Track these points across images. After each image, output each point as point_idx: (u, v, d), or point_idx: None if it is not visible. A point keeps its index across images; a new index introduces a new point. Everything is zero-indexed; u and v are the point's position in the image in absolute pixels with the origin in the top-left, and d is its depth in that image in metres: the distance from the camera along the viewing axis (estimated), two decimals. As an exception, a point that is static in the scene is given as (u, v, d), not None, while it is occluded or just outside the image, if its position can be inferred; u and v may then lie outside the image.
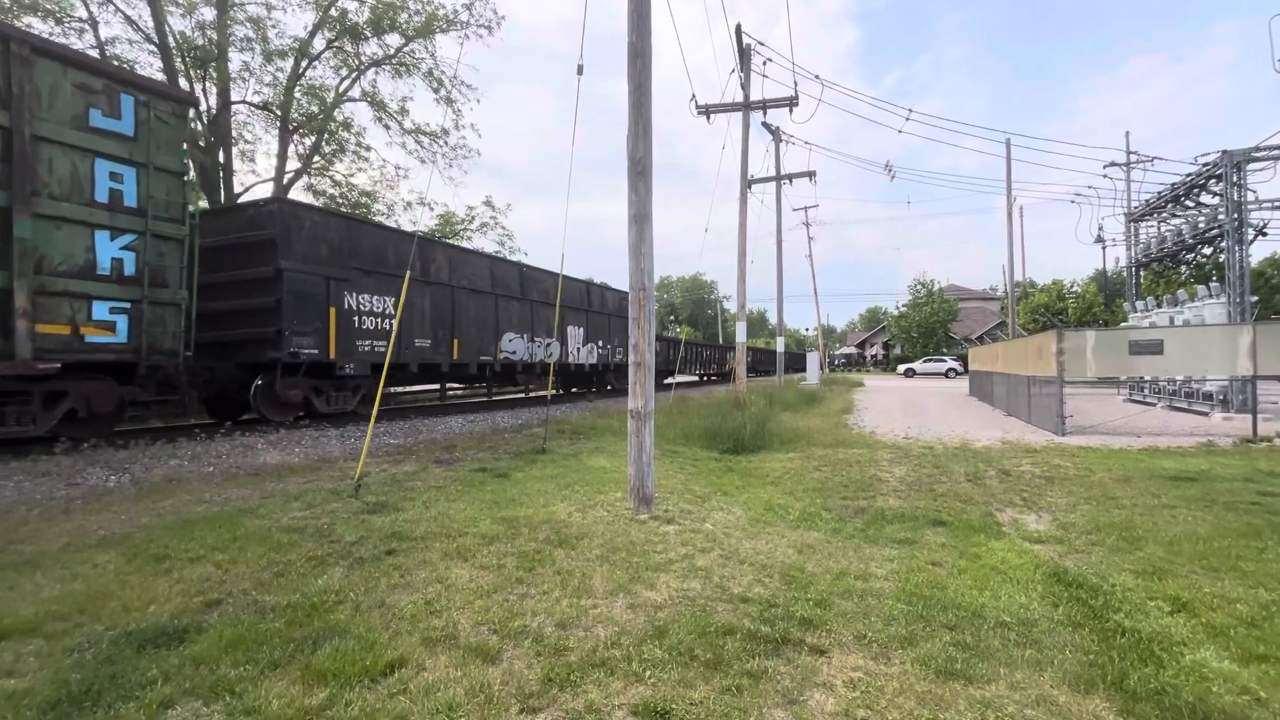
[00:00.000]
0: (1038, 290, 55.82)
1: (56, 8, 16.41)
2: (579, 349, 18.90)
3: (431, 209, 24.83)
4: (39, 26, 16.44)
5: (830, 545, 4.88)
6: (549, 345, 16.75)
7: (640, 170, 5.39)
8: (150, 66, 18.03)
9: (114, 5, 16.89)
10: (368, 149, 22.38)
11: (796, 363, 56.57)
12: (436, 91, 22.05)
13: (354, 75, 21.00)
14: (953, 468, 8.19)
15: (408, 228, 24.06)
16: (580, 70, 6.85)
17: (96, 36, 17.01)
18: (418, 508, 5.67)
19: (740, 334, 15.95)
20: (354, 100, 21.34)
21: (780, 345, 24.65)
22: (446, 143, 23.02)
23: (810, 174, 22.81)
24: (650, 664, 2.77)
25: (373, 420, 6.88)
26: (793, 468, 8.54)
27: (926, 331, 57.30)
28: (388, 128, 22.03)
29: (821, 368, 35.39)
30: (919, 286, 60.20)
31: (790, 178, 22.68)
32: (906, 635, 3.11)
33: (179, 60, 17.44)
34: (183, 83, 17.53)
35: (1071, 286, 53.71)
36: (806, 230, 35.81)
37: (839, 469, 8.35)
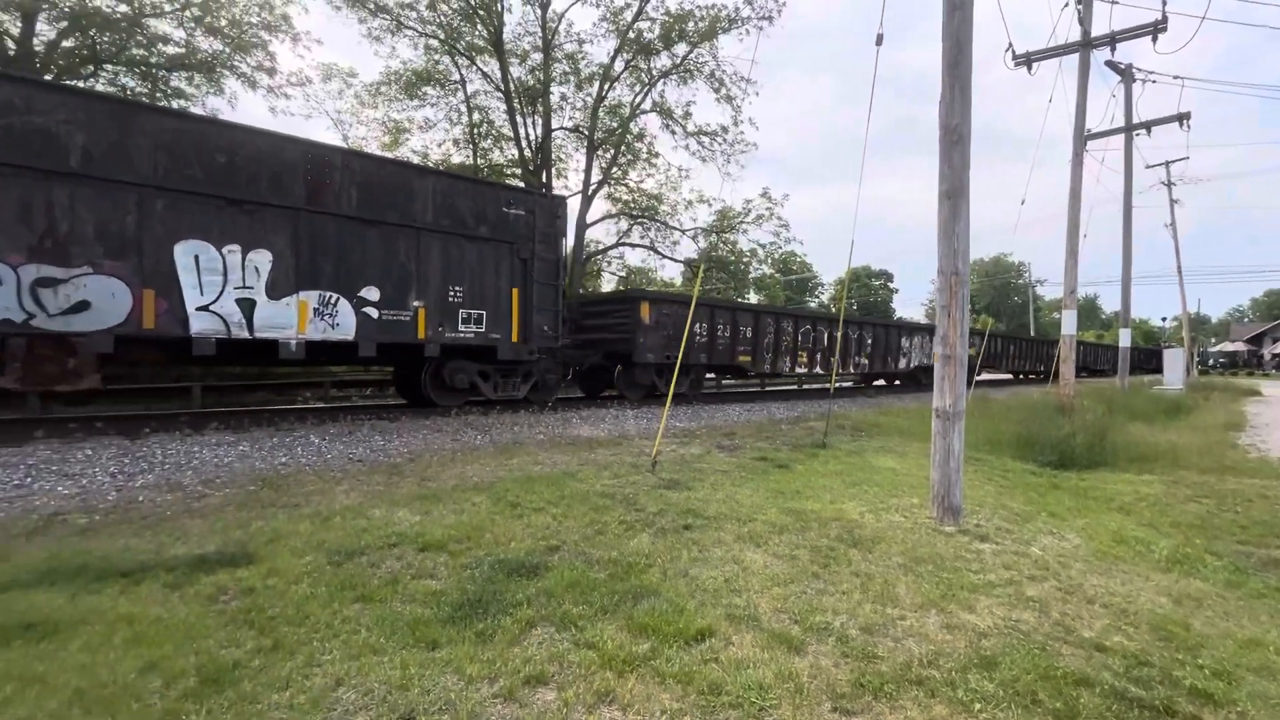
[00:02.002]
0: None
1: (442, 76, 21.54)
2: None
3: (710, 205, 26.01)
4: (430, 92, 21.78)
5: (1226, 602, 3.72)
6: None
7: (956, 138, 4.77)
8: (498, 110, 22.49)
9: (476, 66, 21.46)
10: (655, 155, 24.44)
11: (1144, 361, 44.82)
12: (717, 91, 22.94)
13: (645, 89, 23.07)
14: None
15: (687, 225, 25.52)
16: (880, 40, 6.37)
17: (464, 91, 21.85)
18: (707, 489, 5.99)
19: (1068, 324, 13.19)
20: (645, 112, 23.47)
21: (1125, 339, 19.66)
22: (725, 139, 23.82)
23: (1181, 118, 17.59)
24: (979, 696, 2.44)
25: (667, 405, 7.49)
26: (1151, 494, 6.75)
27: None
28: (673, 133, 23.73)
29: (1187, 369, 27.29)
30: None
31: (1147, 126, 17.82)
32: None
33: (516, 100, 21.35)
34: (520, 120, 21.46)
35: None
36: (1168, 192, 27.74)
37: (1229, 502, 6.34)
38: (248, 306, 7.56)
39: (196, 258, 7.20)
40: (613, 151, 23.40)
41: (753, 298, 32.22)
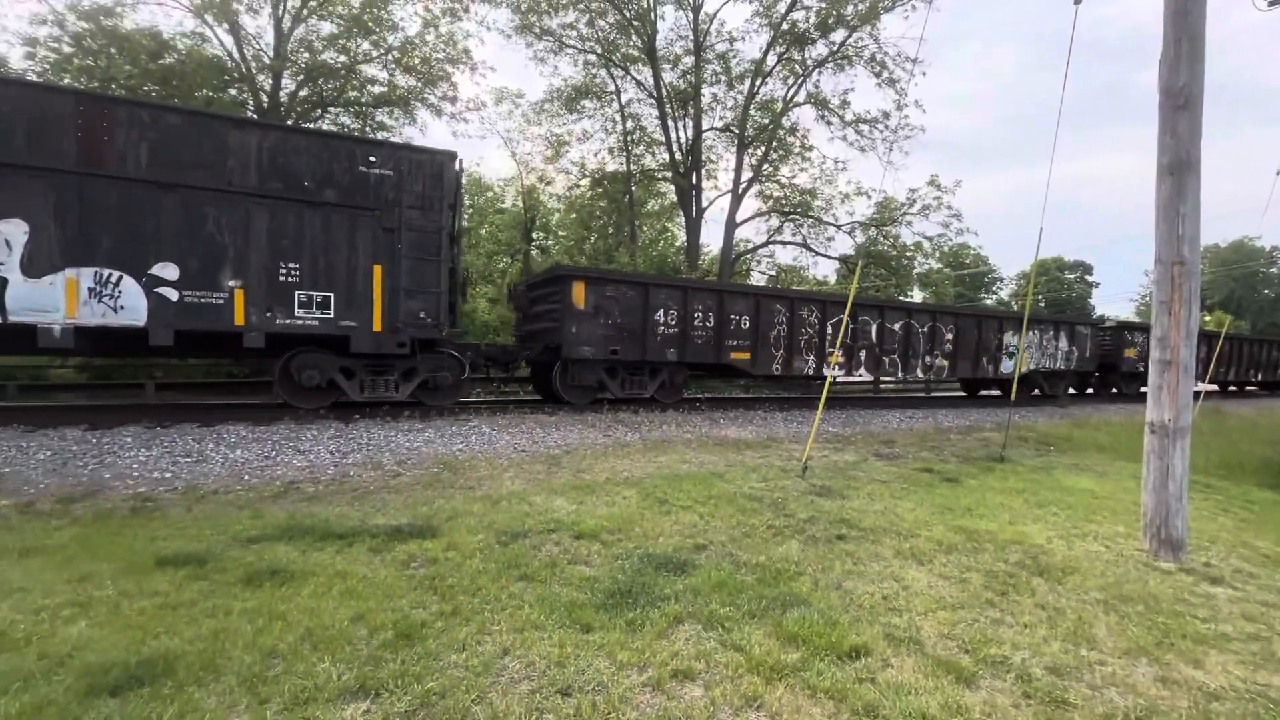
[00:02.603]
0: None
1: (598, 89, 22.64)
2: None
3: (869, 197, 24.46)
4: (587, 105, 22.98)
5: None
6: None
7: (1182, 102, 4.00)
8: (649, 116, 23.13)
9: (630, 76, 22.26)
10: (809, 149, 23.52)
11: None
12: (878, 75, 21.51)
13: (799, 81, 22.32)
14: None
15: (843, 219, 24.25)
16: (1078, -3, 5.55)
17: (619, 101, 22.75)
18: (862, 498, 5.65)
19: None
20: (798, 105, 22.70)
21: None
22: (886, 126, 22.25)
23: None
24: (1208, 769, 2.03)
25: (820, 407, 7.19)
26: None
27: None
28: (829, 124, 22.66)
29: None
30: None
31: None
32: None
33: (667, 105, 21.80)
34: (671, 125, 21.87)
35: None
36: None
37: None
38: None
39: None
40: (763, 148, 22.95)
41: (917, 295, 29.72)
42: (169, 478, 5.48)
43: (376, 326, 7.95)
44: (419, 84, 18.73)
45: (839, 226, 24.15)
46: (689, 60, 22.03)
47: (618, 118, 23.18)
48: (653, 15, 20.94)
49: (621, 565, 3.71)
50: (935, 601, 3.35)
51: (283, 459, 6.20)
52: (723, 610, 3.10)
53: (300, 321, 7.61)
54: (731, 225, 22.54)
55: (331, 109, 18.24)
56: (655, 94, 21.67)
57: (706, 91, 22.38)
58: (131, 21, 15.07)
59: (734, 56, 22.20)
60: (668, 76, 22.12)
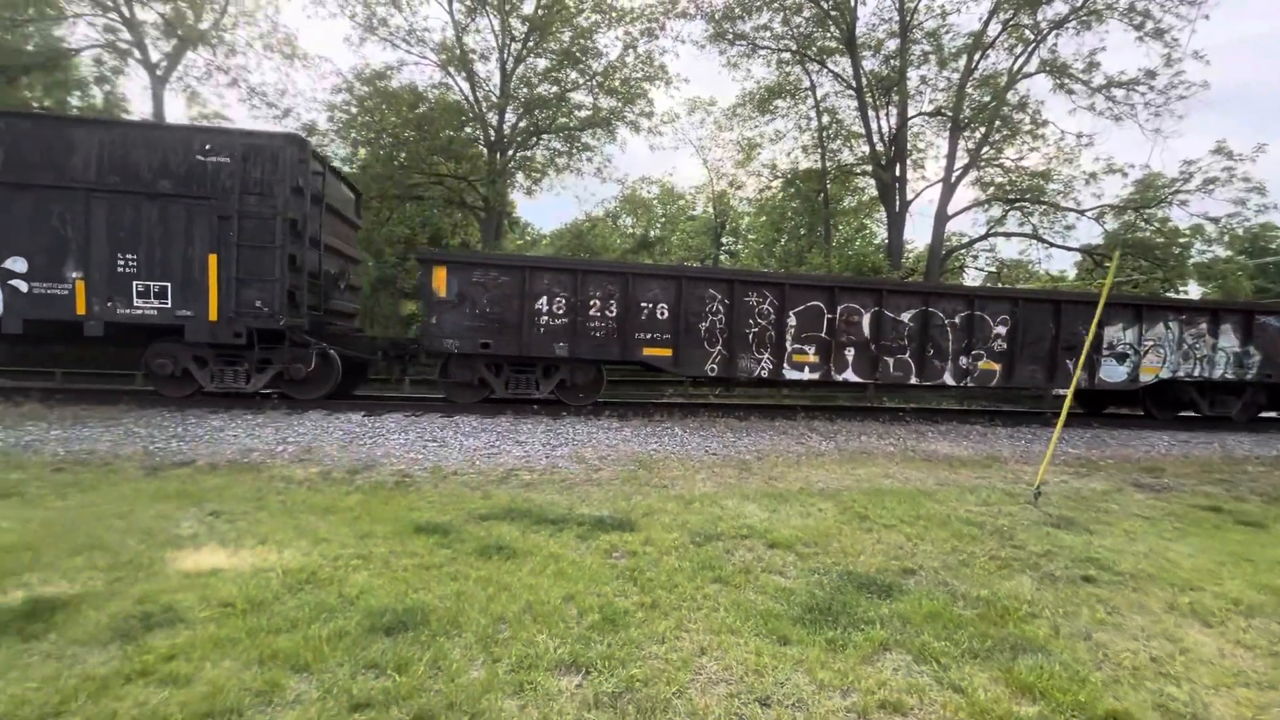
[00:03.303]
0: None
1: (792, 87, 22.06)
2: None
3: (1124, 175, 20.38)
4: (780, 105, 22.49)
5: None
6: None
7: None
8: (847, 109, 21.91)
9: (826, 69, 21.33)
10: (1042, 124, 20.33)
11: None
12: (1138, 28, 17.83)
13: (1029, 48, 19.42)
14: None
15: (1088, 204, 20.65)
16: None
17: (814, 96, 21.92)
18: (1118, 536, 4.72)
19: None
20: (1027, 76, 19.75)
21: None
22: (1151, 88, 18.33)
23: None
24: None
25: (1060, 424, 6.17)
26: None
27: None
28: (1070, 93, 19.34)
29: None
30: None
31: None
32: None
33: (868, 94, 20.45)
34: (871, 115, 20.51)
35: None
36: None
37: None
38: None
39: None
40: (982, 129, 20.39)
41: (1194, 291, 23.97)
42: (420, 459, 6.53)
43: (212, 316, 7.89)
44: (619, 104, 19.96)
45: (1082, 212, 20.56)
46: (893, 44, 20.44)
47: (812, 114, 22.38)
48: (852, 2, 19.83)
49: (819, 580, 3.56)
50: (1231, 675, 2.67)
51: (505, 448, 7.02)
52: (937, 644, 2.81)
53: (139, 311, 7.79)
54: (942, 218, 20.41)
55: (545, 135, 20.21)
56: (854, 84, 20.49)
57: (913, 75, 20.58)
58: (397, 81, 18.35)
59: (946, 32, 20.10)
60: (868, 64, 20.78)
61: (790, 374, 9.44)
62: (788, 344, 9.39)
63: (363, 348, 9.73)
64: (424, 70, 19.57)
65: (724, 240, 29.86)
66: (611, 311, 9.00)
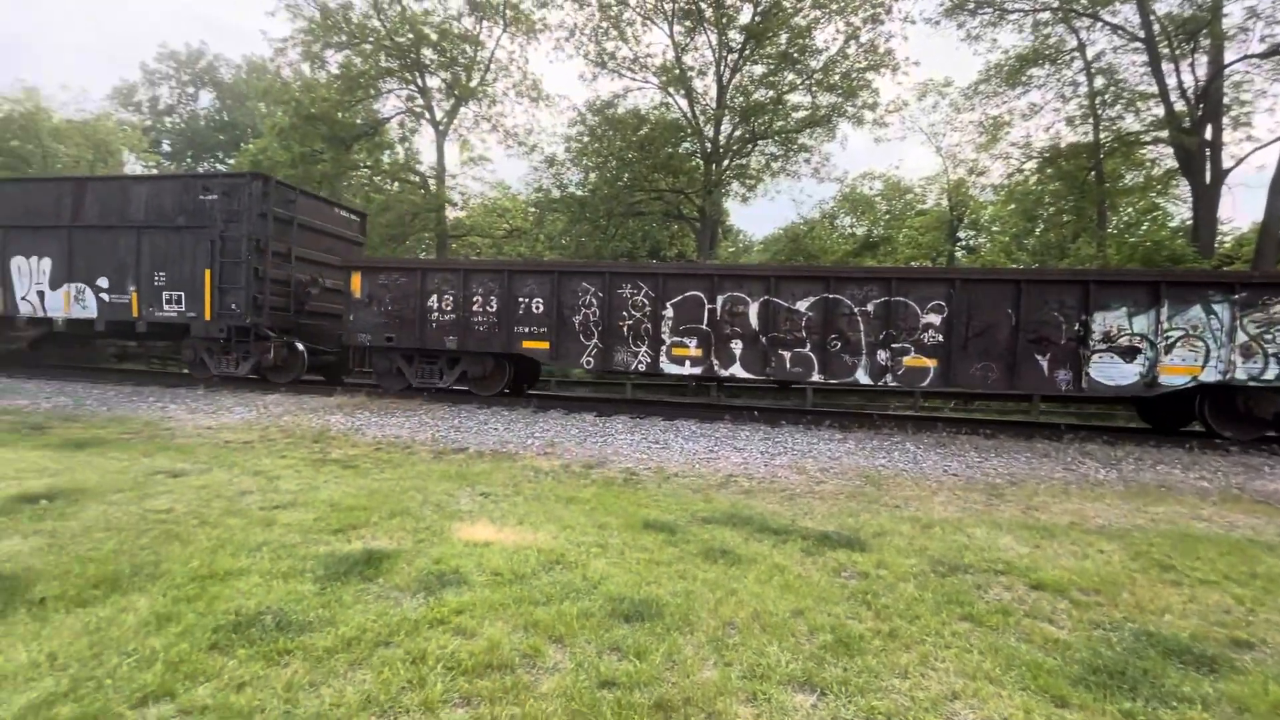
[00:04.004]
0: None
1: (1052, 51, 18.82)
2: None
3: None
4: (1036, 74, 19.32)
5: None
6: None
7: None
8: (1131, 66, 18.00)
9: (1101, 21, 17.79)
10: None
11: None
12: None
13: None
14: None
15: None
16: None
17: (1084, 58, 18.42)
18: None
19: None
20: None
21: None
22: None
23: None
24: None
25: None
26: None
27: None
28: None
29: None
30: None
31: None
32: None
33: (1164, 43, 16.55)
34: (1166, 68, 16.56)
35: None
36: None
37: None
38: (39, 296, 10.92)
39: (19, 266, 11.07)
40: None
41: None
42: (645, 459, 6.94)
43: (208, 316, 10.26)
44: (839, 99, 19.07)
45: None
46: (1201, -25, 16.30)
47: (1080, 79, 18.91)
48: (1138, -68, 16.32)
49: (1105, 637, 2.95)
50: None
51: (723, 454, 7.12)
52: (1298, 747, 2.13)
53: (166, 313, 10.48)
54: (1280, 188, 15.68)
55: (760, 140, 20.14)
56: (1144, 33, 16.82)
57: (1233, 8, 16.18)
58: (622, 107, 19.87)
59: (1288, -56, 15.41)
60: (1160, 6, 16.89)
61: (669, 368, 9.16)
62: (665, 337, 9.10)
63: (329, 342, 11.43)
64: (645, 94, 20.86)
65: (960, 235, 26.64)
66: (492, 307, 9.62)
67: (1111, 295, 8.00)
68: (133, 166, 28.89)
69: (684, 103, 19.59)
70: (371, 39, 19.70)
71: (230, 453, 6.36)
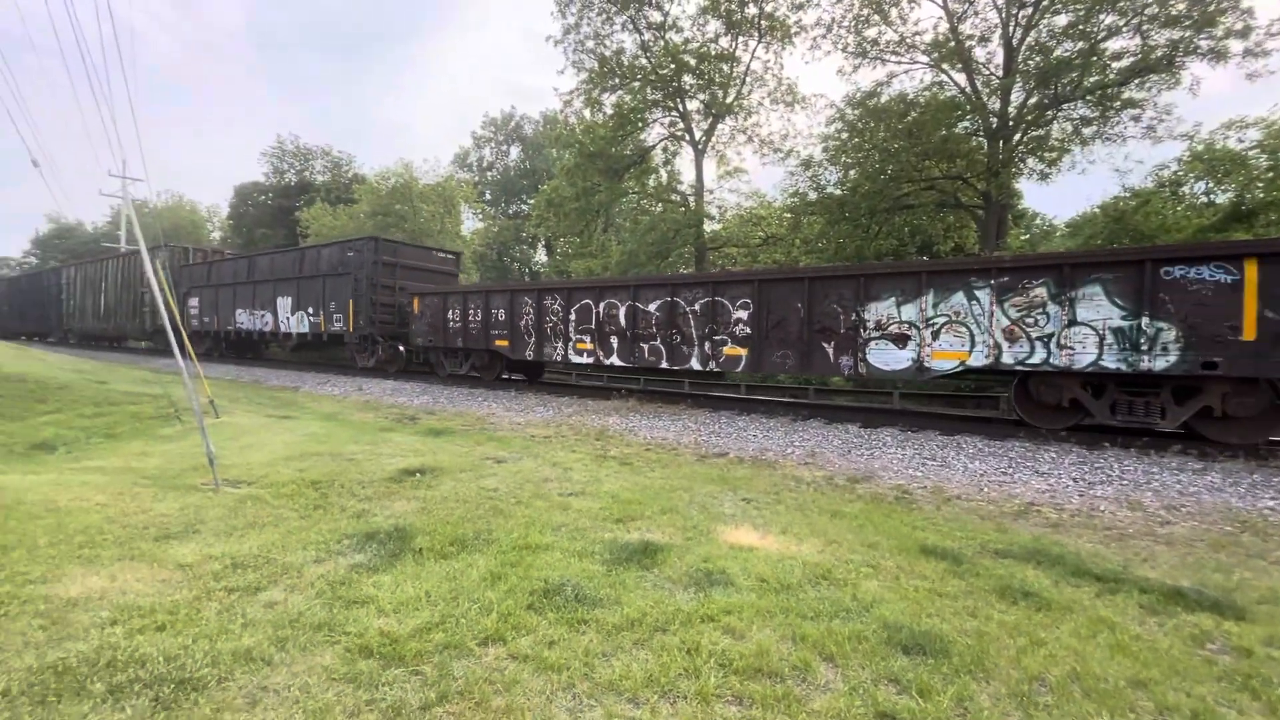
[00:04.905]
0: None
1: None
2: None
3: None
4: None
5: None
6: None
7: None
8: None
9: None
10: None
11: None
12: None
13: None
14: None
15: None
16: None
17: None
18: None
19: None
20: None
21: None
22: None
23: None
24: None
25: None
26: None
27: None
28: None
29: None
30: None
31: None
32: None
33: None
34: None
35: None
36: None
37: None
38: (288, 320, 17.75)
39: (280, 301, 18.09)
40: None
41: None
42: (919, 476, 6.29)
43: (350, 329, 15.95)
44: (1187, 32, 14.94)
45: None
46: None
47: None
48: None
49: None
50: None
51: (1020, 477, 6.08)
52: None
53: (334, 328, 16.43)
54: None
55: (1066, 104, 16.84)
56: None
57: None
58: (886, 95, 18.42)
59: None
60: None
61: (574, 358, 11.78)
62: (571, 335, 11.76)
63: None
64: (913, 76, 19.00)
65: None
66: (478, 317, 13.40)
67: (881, 287, 8.40)
68: (466, 214, 36.55)
69: (961, 78, 17.42)
70: (639, 77, 21.71)
71: (535, 445, 7.58)
